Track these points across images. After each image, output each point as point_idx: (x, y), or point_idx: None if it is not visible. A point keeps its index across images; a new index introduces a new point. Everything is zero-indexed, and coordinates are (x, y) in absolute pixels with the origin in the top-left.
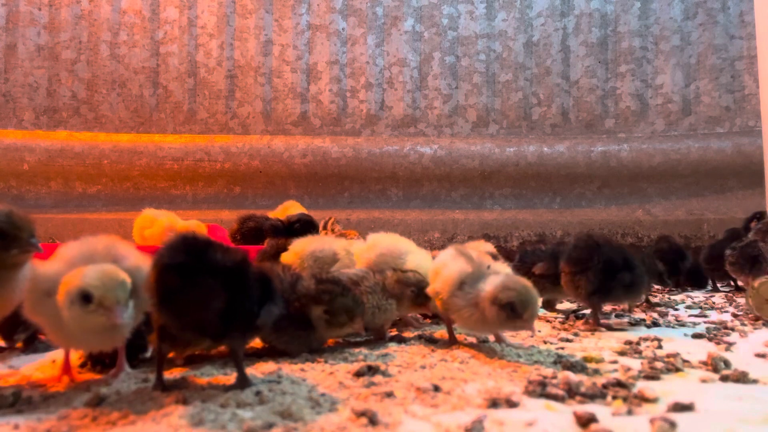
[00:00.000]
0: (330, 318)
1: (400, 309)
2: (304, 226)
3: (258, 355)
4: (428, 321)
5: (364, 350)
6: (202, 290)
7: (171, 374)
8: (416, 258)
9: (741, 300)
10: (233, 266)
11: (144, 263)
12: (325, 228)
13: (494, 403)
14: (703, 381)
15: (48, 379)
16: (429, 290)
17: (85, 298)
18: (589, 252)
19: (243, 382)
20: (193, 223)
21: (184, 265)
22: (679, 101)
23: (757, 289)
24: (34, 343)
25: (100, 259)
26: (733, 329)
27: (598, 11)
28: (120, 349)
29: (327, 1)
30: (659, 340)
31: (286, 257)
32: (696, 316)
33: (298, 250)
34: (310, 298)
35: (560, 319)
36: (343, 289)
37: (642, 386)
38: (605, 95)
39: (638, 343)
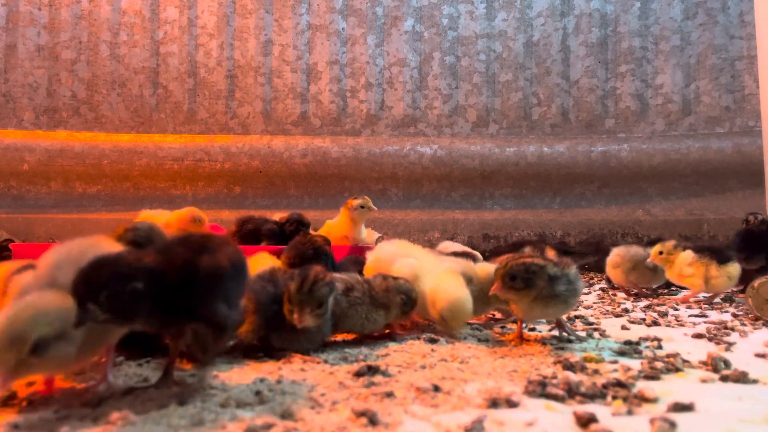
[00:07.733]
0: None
1: (387, 318)
2: (296, 226)
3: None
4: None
5: (364, 350)
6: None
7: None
8: (405, 263)
9: (741, 300)
10: None
11: None
12: None
13: (494, 403)
14: (703, 381)
15: (48, 379)
16: None
17: None
18: None
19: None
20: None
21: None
22: (679, 101)
23: (757, 289)
24: None
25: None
26: (733, 329)
27: (598, 11)
28: (104, 360)
29: (327, 1)
30: (659, 340)
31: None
32: (696, 316)
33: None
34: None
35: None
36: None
37: (642, 386)
38: (605, 95)
39: (638, 343)
